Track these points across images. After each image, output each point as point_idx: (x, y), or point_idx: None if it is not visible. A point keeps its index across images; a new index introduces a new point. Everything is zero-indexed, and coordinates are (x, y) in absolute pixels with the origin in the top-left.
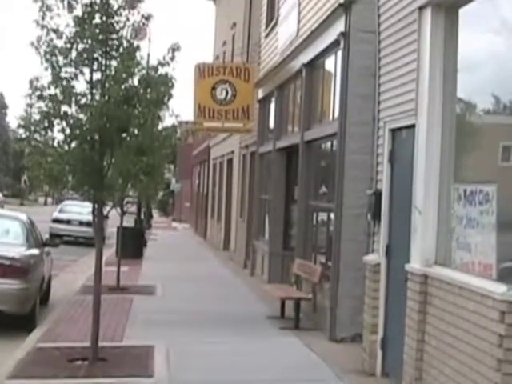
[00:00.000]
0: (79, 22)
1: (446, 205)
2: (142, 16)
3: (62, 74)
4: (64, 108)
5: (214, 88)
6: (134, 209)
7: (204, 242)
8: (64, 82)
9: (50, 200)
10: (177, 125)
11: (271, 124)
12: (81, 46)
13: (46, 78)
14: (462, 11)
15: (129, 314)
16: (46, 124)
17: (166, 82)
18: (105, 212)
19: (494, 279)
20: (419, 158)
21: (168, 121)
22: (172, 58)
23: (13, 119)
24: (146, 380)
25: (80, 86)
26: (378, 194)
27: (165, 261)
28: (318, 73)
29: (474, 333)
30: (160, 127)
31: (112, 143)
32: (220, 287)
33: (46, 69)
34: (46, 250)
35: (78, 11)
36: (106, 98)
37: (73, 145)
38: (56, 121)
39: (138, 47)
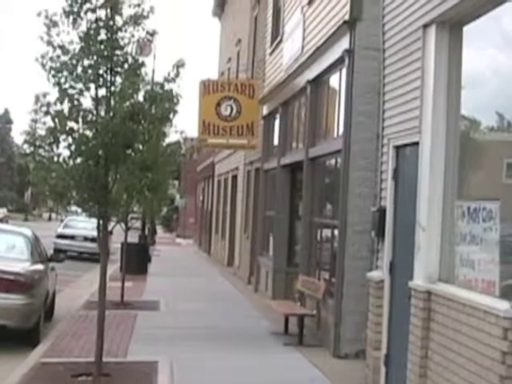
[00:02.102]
0: (84, 38)
1: (450, 222)
2: (147, 32)
3: (69, 91)
4: (70, 124)
5: (218, 104)
6: (138, 224)
7: (208, 258)
8: (70, 99)
9: (54, 215)
10: (182, 141)
11: (276, 140)
12: (86, 62)
13: (53, 93)
14: (466, 29)
15: (133, 329)
16: (52, 140)
17: (171, 99)
18: (109, 228)
19: (497, 296)
20: (423, 175)
21: (173, 137)
22: (177, 75)
23: (17, 134)
24: None
25: (85, 102)
26: (382, 211)
27: (169, 276)
28: (322, 90)
29: (477, 349)
30: (165, 143)
31: (117, 159)
32: (224, 303)
33: (54, 85)
34: (51, 265)
35: (83, 27)
36: (112, 114)
37: (78, 160)
38: (62, 137)
39: (142, 63)
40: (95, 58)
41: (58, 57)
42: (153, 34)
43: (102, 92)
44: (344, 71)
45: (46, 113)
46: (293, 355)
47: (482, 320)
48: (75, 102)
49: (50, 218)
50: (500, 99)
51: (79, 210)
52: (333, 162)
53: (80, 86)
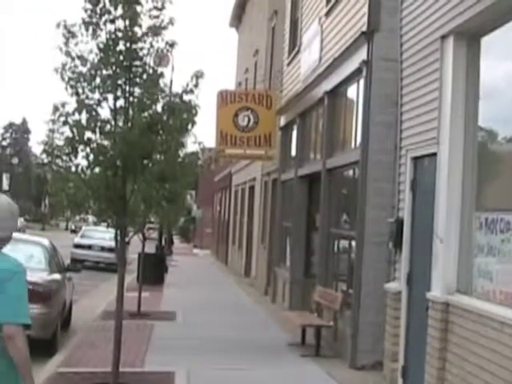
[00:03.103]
0: (103, 48)
1: (468, 233)
2: (166, 43)
3: (87, 101)
4: (88, 134)
5: (236, 115)
6: (155, 235)
7: (225, 269)
8: (88, 109)
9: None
10: (199, 152)
11: (293, 151)
12: (105, 73)
13: (71, 104)
14: (483, 40)
15: (150, 339)
16: (70, 150)
17: (190, 110)
18: (127, 238)
19: None
20: (441, 186)
21: (191, 147)
22: (195, 86)
23: (35, 144)
24: None
25: (104, 112)
26: (399, 222)
27: (186, 287)
28: (340, 101)
29: (495, 361)
30: (183, 154)
31: (135, 169)
32: (241, 314)
33: (71, 95)
34: (68, 275)
35: (102, 38)
36: (130, 124)
37: (96, 171)
38: (80, 147)
39: (161, 74)
40: (114, 68)
41: (76, 67)
42: (172, 44)
43: (121, 103)
44: (362, 82)
45: (64, 123)
46: (310, 366)
47: (499, 331)
48: (93, 113)
49: (67, 228)
50: None
51: (90, 219)
52: (350, 172)
53: (98, 96)
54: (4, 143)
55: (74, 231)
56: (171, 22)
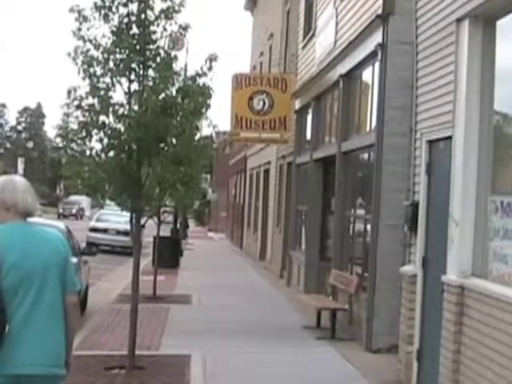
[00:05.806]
0: (116, 32)
1: (483, 216)
2: (180, 26)
3: (100, 85)
4: (102, 118)
5: (251, 98)
6: (170, 218)
7: (240, 252)
8: (102, 92)
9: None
10: (214, 135)
11: (308, 135)
12: (118, 57)
13: (84, 88)
14: (499, 23)
15: (165, 322)
16: (84, 134)
17: (204, 93)
18: (142, 221)
19: None
20: (456, 169)
21: (205, 131)
22: (209, 69)
23: (50, 128)
24: None
25: (117, 96)
26: (414, 206)
27: (201, 270)
28: (355, 84)
29: (511, 344)
30: (197, 137)
31: (150, 153)
32: (256, 297)
33: (84, 79)
34: (84, 258)
35: (115, 21)
36: (144, 108)
37: (110, 154)
38: (94, 131)
39: (175, 57)
40: (127, 52)
41: (88, 51)
42: (185, 28)
43: (135, 86)
44: (377, 65)
45: (78, 107)
46: (325, 349)
47: None
48: (106, 96)
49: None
50: None
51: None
52: (365, 156)
53: (111, 79)
54: (19, 127)
55: (63, 215)
56: (182, 4)
